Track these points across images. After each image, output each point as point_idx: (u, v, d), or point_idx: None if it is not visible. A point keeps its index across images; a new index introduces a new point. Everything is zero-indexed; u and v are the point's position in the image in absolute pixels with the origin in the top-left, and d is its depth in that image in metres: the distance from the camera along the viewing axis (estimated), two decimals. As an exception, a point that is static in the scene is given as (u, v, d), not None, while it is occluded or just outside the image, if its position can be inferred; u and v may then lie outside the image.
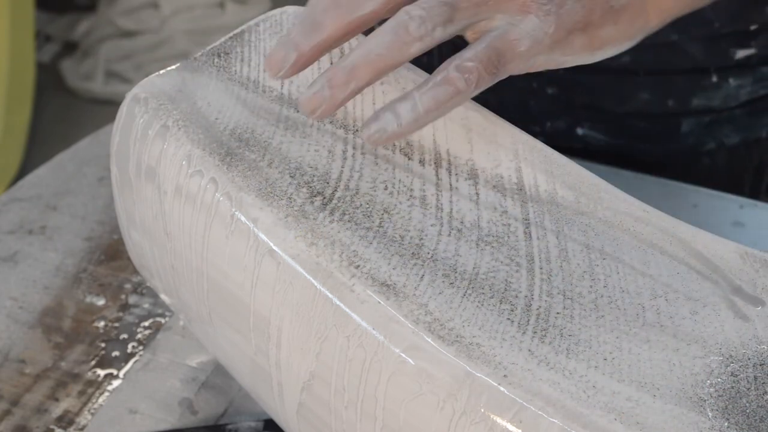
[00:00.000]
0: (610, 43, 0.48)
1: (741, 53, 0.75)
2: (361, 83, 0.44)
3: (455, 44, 0.47)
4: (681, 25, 0.73)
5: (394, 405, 0.41)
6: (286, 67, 0.45)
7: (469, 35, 0.46)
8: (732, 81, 0.76)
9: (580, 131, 0.80)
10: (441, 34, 0.44)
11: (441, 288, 0.42)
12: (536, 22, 0.45)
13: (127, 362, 0.61)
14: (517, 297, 0.42)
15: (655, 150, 0.80)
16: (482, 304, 0.42)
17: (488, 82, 0.44)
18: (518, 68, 0.46)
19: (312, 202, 0.46)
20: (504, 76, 0.45)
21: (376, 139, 0.44)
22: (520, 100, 0.80)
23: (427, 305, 0.41)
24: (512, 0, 0.45)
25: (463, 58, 0.44)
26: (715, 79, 0.76)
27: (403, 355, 0.40)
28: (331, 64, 0.50)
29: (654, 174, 0.76)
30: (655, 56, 0.75)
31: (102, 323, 0.64)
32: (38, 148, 2.05)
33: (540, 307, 0.42)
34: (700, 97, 0.77)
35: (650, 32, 0.50)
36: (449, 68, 0.44)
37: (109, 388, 0.60)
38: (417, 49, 0.44)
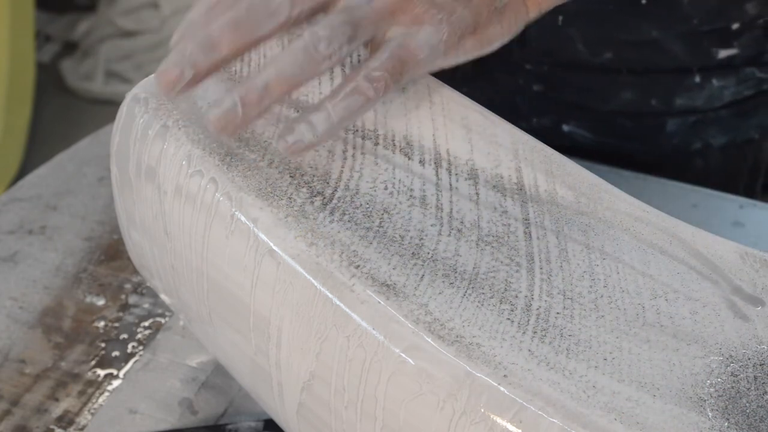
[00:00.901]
0: (496, 39, 0.51)
1: (723, 53, 0.75)
2: (274, 100, 0.46)
3: None
4: (661, 21, 0.74)
5: (394, 405, 0.41)
6: (181, 84, 0.46)
7: (370, 47, 0.49)
8: (715, 81, 0.76)
9: (566, 128, 0.80)
10: (346, 50, 0.46)
11: (441, 288, 0.42)
12: (430, 30, 0.48)
13: (127, 362, 0.61)
14: (517, 297, 0.42)
15: (641, 149, 0.80)
16: (482, 304, 0.42)
17: (393, 89, 0.47)
18: (418, 73, 0.49)
19: (312, 202, 0.46)
20: (406, 82, 0.48)
21: (293, 149, 0.45)
22: (507, 97, 0.80)
23: (427, 305, 0.41)
24: (407, 13, 0.48)
25: (370, 68, 0.46)
26: (698, 79, 0.76)
27: (403, 355, 0.40)
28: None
29: (646, 173, 0.76)
30: (636, 54, 0.75)
31: (102, 323, 0.64)
32: (38, 148, 2.05)
33: (540, 307, 0.42)
34: (683, 98, 0.77)
35: (529, 23, 0.53)
36: (358, 78, 0.46)
37: (109, 388, 0.60)
38: (326, 66, 0.46)
